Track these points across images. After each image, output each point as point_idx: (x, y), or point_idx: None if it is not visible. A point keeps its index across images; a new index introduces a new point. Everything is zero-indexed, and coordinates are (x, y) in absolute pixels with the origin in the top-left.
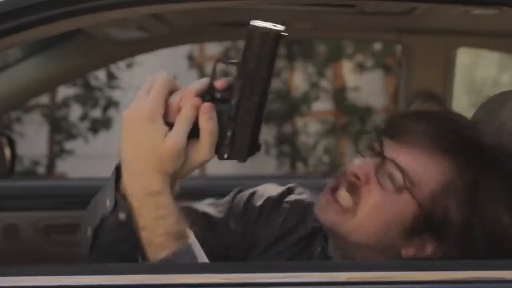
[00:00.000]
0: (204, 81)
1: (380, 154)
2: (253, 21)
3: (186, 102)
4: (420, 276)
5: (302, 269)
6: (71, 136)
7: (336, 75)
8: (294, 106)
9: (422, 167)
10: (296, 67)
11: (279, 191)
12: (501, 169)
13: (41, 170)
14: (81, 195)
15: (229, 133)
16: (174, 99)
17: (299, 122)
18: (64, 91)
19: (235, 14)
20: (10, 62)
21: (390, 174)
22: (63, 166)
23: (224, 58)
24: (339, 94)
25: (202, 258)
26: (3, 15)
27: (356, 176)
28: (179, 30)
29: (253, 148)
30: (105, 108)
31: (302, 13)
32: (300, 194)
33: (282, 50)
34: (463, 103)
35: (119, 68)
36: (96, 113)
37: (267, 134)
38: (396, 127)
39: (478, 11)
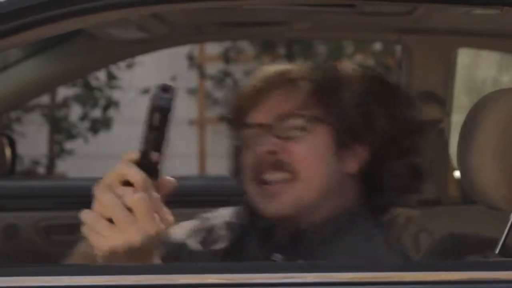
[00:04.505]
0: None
1: (262, 126)
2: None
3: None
4: (420, 277)
5: (302, 269)
6: (71, 136)
7: None
8: None
9: (304, 98)
10: None
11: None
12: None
13: (41, 170)
14: (81, 195)
15: None
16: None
17: None
18: (64, 91)
19: (235, 14)
20: (10, 62)
21: (290, 126)
22: (63, 166)
23: None
24: None
25: None
26: (4, 16)
27: (271, 152)
28: (179, 31)
29: None
30: (105, 108)
31: (302, 13)
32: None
33: (282, 50)
34: (463, 103)
35: (119, 68)
36: (96, 113)
37: None
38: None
39: (478, 11)
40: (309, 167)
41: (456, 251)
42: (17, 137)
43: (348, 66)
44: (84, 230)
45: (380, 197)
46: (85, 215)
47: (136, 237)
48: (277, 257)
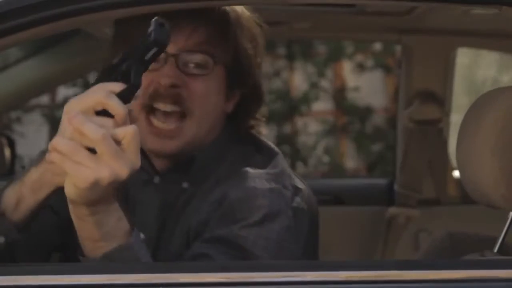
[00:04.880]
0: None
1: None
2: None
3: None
4: (419, 275)
5: (301, 268)
6: None
7: (336, 75)
8: (294, 106)
9: (209, 35)
10: (296, 67)
11: None
12: None
13: None
14: None
15: None
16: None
17: (299, 122)
18: (64, 91)
19: None
20: (10, 62)
21: (194, 60)
22: None
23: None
24: (339, 94)
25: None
26: (2, 15)
27: (174, 85)
28: None
29: None
30: None
31: (302, 13)
32: None
33: (282, 50)
34: (463, 103)
35: None
36: None
37: (267, 134)
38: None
39: (477, 11)
40: (204, 108)
41: (455, 250)
42: (17, 137)
43: (243, 9)
44: (56, 157)
45: (240, 128)
46: (60, 142)
47: (123, 170)
48: (156, 179)
